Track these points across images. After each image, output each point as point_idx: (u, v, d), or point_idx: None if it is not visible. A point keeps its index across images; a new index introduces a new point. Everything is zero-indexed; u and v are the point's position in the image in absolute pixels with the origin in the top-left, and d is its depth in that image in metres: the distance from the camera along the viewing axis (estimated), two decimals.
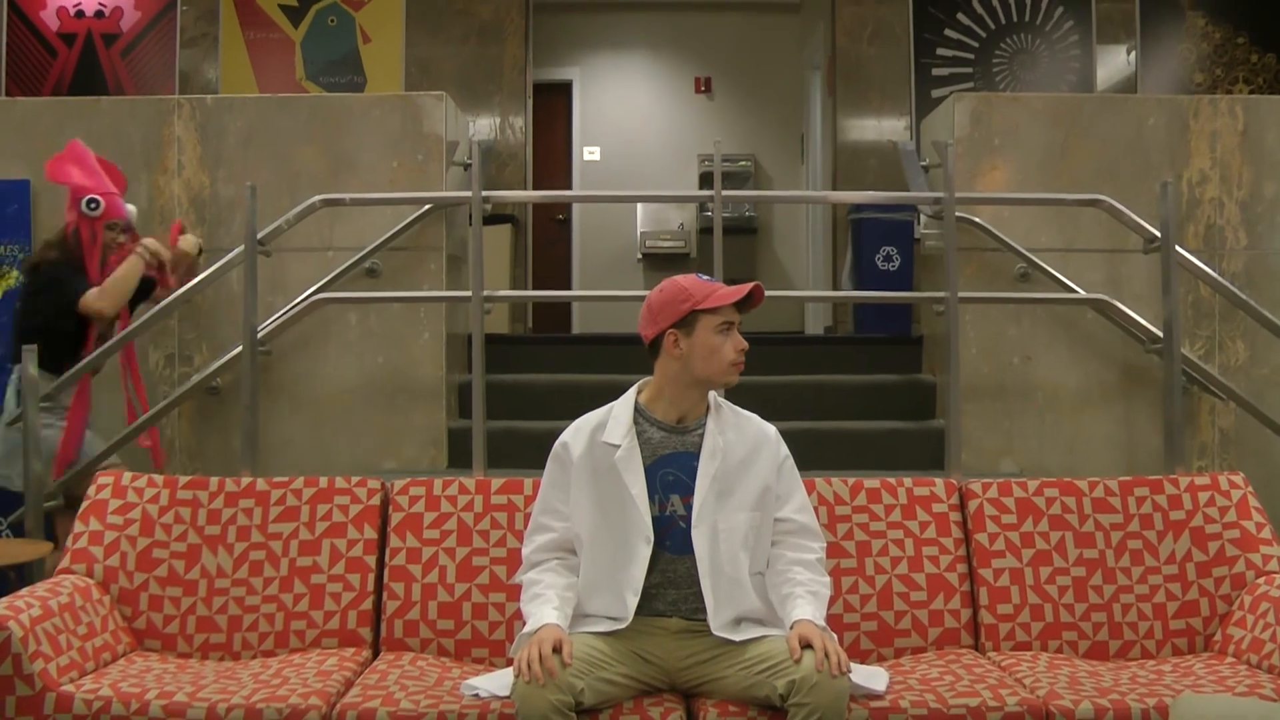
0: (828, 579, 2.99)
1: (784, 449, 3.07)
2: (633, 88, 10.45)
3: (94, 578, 3.33)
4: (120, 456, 4.56)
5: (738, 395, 3.19)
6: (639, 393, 3.04)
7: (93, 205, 4.41)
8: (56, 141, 5.15)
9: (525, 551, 3.02)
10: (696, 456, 2.94)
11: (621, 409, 3.01)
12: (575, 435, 3.03)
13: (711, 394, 3.04)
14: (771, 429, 3.09)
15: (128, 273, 4.46)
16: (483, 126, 7.98)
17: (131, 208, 4.59)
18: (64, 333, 4.42)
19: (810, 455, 3.57)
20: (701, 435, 2.96)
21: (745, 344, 2.96)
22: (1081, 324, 5.04)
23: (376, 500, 3.49)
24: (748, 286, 2.94)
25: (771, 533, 2.99)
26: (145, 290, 4.66)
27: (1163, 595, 3.36)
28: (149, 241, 4.53)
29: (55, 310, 4.40)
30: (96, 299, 4.39)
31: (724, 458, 2.95)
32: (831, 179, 8.23)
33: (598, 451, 2.96)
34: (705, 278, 2.99)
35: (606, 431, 2.97)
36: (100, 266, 4.49)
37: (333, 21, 7.92)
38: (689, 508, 2.90)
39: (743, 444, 3.00)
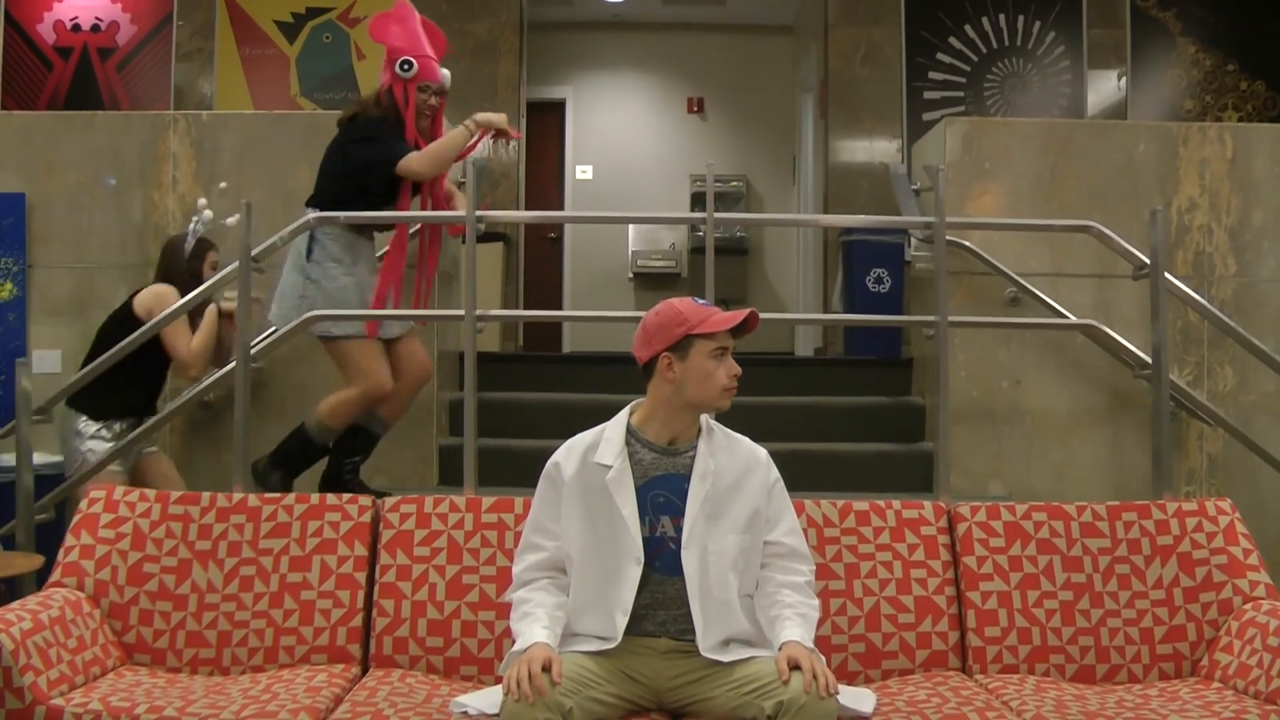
0: (816, 601, 3.00)
1: (774, 472, 3.08)
2: (626, 107, 10.50)
3: (85, 591, 3.33)
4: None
5: (728, 417, 3.19)
6: (631, 414, 3.05)
7: (406, 67, 4.38)
8: (52, 155, 5.17)
9: (515, 570, 3.02)
10: (687, 478, 2.94)
11: (614, 430, 3.01)
12: (567, 455, 3.03)
13: (703, 417, 3.05)
14: (763, 452, 3.10)
15: (451, 142, 4.43)
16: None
17: (445, 72, 4.56)
18: (365, 189, 4.37)
19: (799, 477, 3.58)
20: (693, 457, 2.97)
21: (739, 369, 2.96)
22: (1071, 349, 5.07)
23: (367, 517, 3.50)
24: (743, 313, 2.94)
25: (761, 555, 2.99)
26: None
27: (1150, 620, 3.37)
28: (482, 116, 4.49)
29: (367, 165, 4.35)
30: (416, 161, 4.36)
31: (715, 480, 2.95)
32: (823, 200, 8.26)
33: (589, 472, 2.96)
34: (701, 301, 2.99)
35: (599, 452, 2.97)
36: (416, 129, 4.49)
37: (328, 38, 7.95)
38: (679, 529, 2.91)
39: (733, 467, 3.01)
